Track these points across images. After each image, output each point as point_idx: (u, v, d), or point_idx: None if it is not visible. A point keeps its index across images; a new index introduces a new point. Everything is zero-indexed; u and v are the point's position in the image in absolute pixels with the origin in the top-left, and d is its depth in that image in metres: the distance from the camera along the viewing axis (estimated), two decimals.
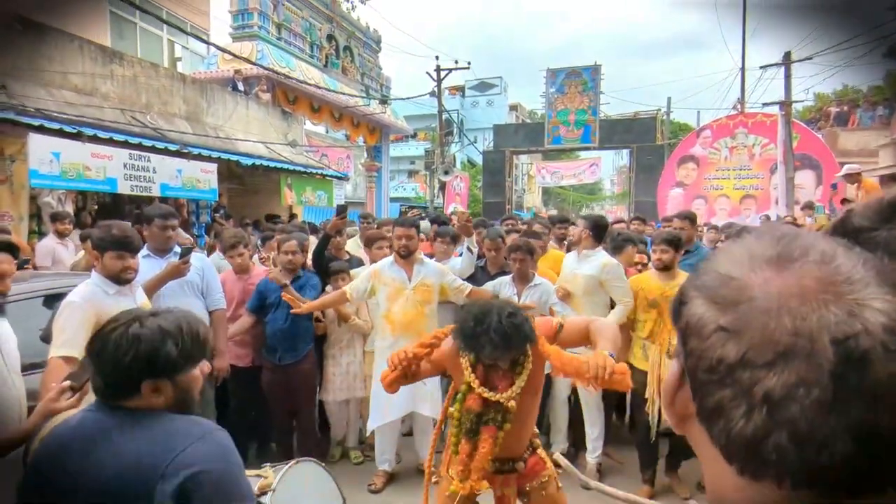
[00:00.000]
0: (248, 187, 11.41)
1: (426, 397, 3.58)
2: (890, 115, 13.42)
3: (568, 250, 4.65)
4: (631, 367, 3.42)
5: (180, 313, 1.27)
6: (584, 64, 19.37)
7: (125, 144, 7.30)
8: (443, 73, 17.39)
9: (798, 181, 12.06)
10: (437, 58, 17.47)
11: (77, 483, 1.08)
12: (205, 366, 1.28)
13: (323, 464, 2.12)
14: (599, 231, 3.77)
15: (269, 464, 1.92)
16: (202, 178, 8.26)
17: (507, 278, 3.85)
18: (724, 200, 15.44)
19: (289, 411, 3.85)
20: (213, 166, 8.54)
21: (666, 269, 3.25)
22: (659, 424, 3.30)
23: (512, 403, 2.12)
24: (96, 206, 8.40)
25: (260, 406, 3.92)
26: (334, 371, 4.00)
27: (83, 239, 5.09)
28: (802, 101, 15.96)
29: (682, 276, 3.26)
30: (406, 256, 3.61)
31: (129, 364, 1.15)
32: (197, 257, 3.35)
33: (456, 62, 17.64)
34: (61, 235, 5.57)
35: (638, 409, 3.45)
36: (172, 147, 8.01)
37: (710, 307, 0.47)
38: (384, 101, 17.13)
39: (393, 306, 3.57)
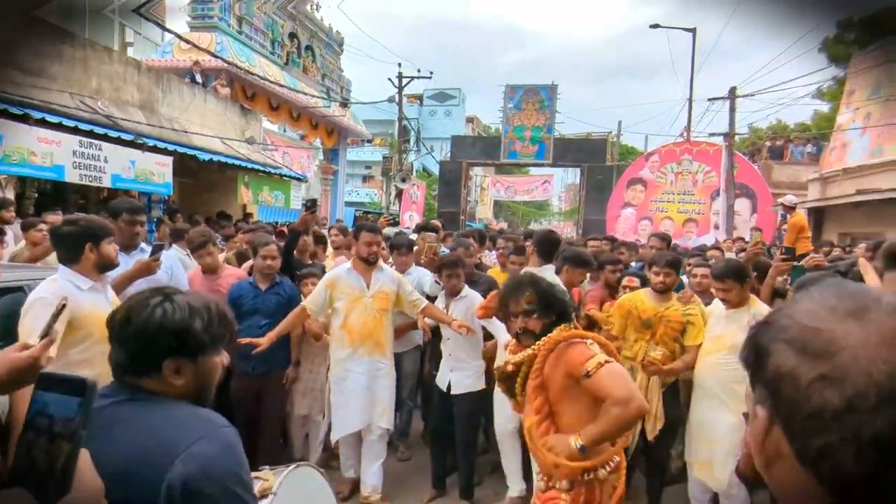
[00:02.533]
0: (201, 183, 10.99)
1: (383, 412, 3.53)
2: (818, 152, 14.57)
3: None
4: None
5: (206, 295, 1.22)
6: (542, 83, 19.92)
7: (75, 131, 6.88)
8: (404, 81, 17.44)
9: (736, 208, 12.86)
10: (399, 65, 17.55)
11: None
12: (225, 357, 1.22)
13: (322, 470, 2.07)
14: (547, 247, 3.68)
15: (267, 466, 1.88)
16: (157, 171, 7.90)
17: (429, 276, 3.98)
18: (668, 223, 16.22)
19: (252, 421, 3.70)
20: (169, 159, 8.19)
21: (666, 290, 3.30)
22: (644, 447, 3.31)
23: (509, 367, 2.14)
24: (36, 194, 7.85)
25: (221, 412, 3.77)
26: (296, 385, 3.85)
27: (25, 228, 4.76)
28: (743, 134, 17.08)
29: (674, 297, 3.33)
30: (373, 263, 3.53)
31: (155, 338, 1.10)
32: (166, 255, 3.25)
33: (418, 70, 17.78)
34: (4, 223, 5.18)
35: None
36: (126, 136, 7.62)
37: (802, 358, 0.50)
38: (345, 103, 16.97)
39: (351, 315, 3.45)
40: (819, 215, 12.26)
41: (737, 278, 3.02)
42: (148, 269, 2.92)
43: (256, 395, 3.64)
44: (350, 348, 3.46)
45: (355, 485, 3.69)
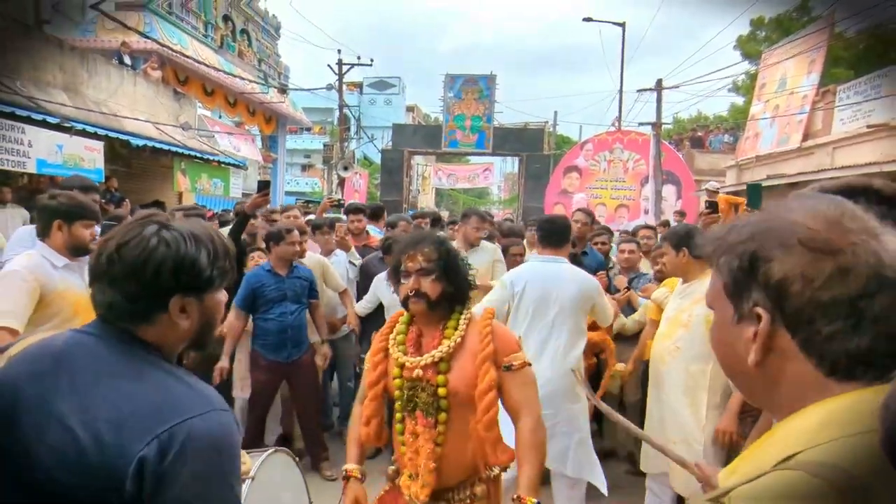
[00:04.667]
0: (133, 170, 10.50)
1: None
2: (734, 141, 15.75)
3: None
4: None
5: (204, 223, 1.07)
6: (481, 73, 20.26)
7: None
8: (345, 68, 17.24)
9: (663, 194, 13.73)
10: (339, 51, 17.30)
11: (46, 423, 0.87)
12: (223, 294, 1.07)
13: (295, 457, 2.09)
14: (555, 233, 3.02)
15: (244, 450, 1.85)
16: (86, 157, 7.53)
17: (384, 275, 3.79)
18: (601, 208, 17.02)
19: (266, 407, 3.61)
20: (100, 144, 7.83)
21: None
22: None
23: (440, 377, 1.68)
24: None
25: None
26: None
27: None
28: (668, 124, 18.14)
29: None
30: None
31: (159, 272, 0.93)
32: None
33: (358, 58, 17.59)
34: None
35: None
36: (52, 120, 7.21)
37: (815, 257, 0.59)
38: (283, 89, 16.59)
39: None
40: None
41: (672, 242, 2.78)
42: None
43: (292, 382, 3.58)
44: None
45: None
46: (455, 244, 3.93)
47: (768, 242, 0.62)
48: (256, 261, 3.72)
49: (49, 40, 8.77)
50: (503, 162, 35.33)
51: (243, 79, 14.47)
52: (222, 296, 1.05)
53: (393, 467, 1.84)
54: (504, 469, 1.77)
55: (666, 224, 10.99)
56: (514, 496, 1.64)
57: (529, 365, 1.76)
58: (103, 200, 8.75)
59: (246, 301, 3.47)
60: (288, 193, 20.77)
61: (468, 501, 1.72)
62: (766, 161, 11.68)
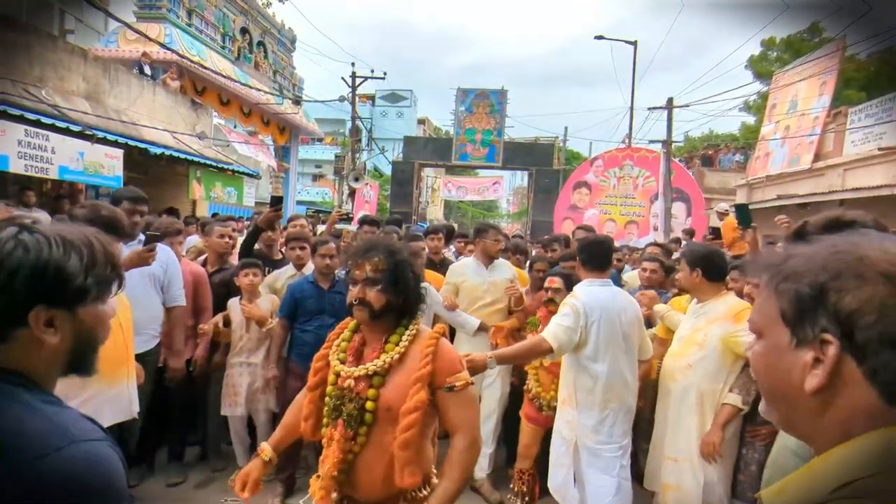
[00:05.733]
0: (150, 178, 10.69)
1: None
2: (745, 160, 15.76)
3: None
4: None
5: (84, 227, 0.92)
6: (493, 87, 20.46)
7: (21, 119, 6.64)
8: (358, 81, 17.49)
9: (672, 212, 13.75)
10: (353, 64, 17.58)
11: None
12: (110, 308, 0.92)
13: None
14: (596, 255, 2.98)
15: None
16: (106, 164, 7.70)
17: None
18: (611, 224, 17.06)
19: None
20: (119, 152, 8.00)
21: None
22: None
23: (371, 391, 1.66)
24: None
25: (195, 407, 3.78)
26: (241, 382, 3.61)
27: None
28: (679, 142, 18.22)
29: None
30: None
31: (11, 280, 0.80)
32: (163, 249, 3.08)
33: (372, 71, 17.87)
34: None
35: None
36: (75, 128, 7.40)
37: (891, 290, 0.62)
38: (297, 101, 16.84)
39: None
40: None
41: (688, 259, 2.80)
42: (141, 260, 2.76)
43: None
44: None
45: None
46: (471, 259, 4.06)
47: (843, 273, 0.64)
48: (251, 279, 3.61)
49: (73, 51, 9.01)
50: (513, 176, 35.56)
51: (259, 90, 14.72)
52: (106, 307, 0.90)
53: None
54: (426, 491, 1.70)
55: (677, 241, 11.02)
56: None
57: (472, 384, 1.74)
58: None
59: (289, 310, 3.47)
60: (299, 203, 20.98)
61: None
62: (777, 181, 11.69)
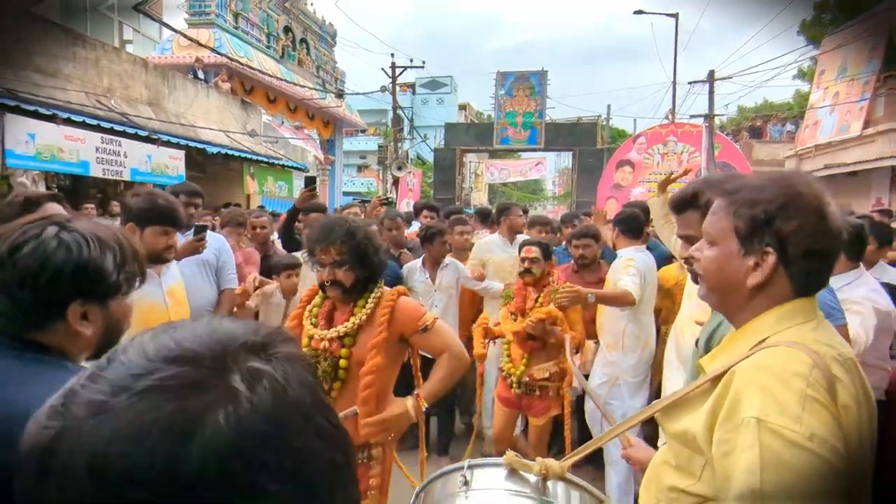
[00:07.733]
0: (207, 176, 11.53)
1: None
2: (795, 130, 15.19)
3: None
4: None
5: (110, 225, 1.03)
6: (532, 69, 20.36)
7: (97, 128, 7.43)
8: (398, 71, 17.88)
9: None
10: (392, 55, 17.96)
11: None
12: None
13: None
14: (634, 225, 3.37)
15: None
16: (170, 165, 8.46)
17: (415, 264, 3.82)
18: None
19: None
20: (181, 153, 8.75)
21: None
22: None
23: (343, 350, 1.87)
24: (56, 189, 8.41)
25: None
26: None
27: None
28: (723, 115, 17.68)
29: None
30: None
31: (56, 278, 0.87)
32: (214, 237, 3.21)
33: (411, 60, 18.20)
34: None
35: None
36: (142, 133, 8.17)
37: (816, 221, 0.91)
38: (340, 94, 17.42)
39: None
40: None
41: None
42: (192, 249, 2.79)
43: None
44: None
45: None
46: (496, 236, 4.31)
47: (788, 206, 0.91)
48: (293, 279, 3.55)
49: (135, 61, 9.83)
50: (557, 157, 35.18)
51: (303, 86, 15.37)
52: (130, 300, 1.00)
53: None
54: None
55: None
56: (415, 393, 1.91)
57: (437, 319, 1.98)
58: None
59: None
60: (345, 193, 21.69)
61: (365, 461, 1.90)
62: (826, 150, 11.30)
